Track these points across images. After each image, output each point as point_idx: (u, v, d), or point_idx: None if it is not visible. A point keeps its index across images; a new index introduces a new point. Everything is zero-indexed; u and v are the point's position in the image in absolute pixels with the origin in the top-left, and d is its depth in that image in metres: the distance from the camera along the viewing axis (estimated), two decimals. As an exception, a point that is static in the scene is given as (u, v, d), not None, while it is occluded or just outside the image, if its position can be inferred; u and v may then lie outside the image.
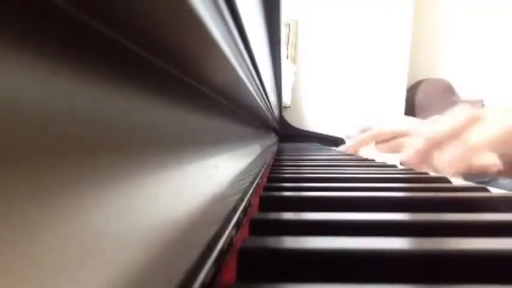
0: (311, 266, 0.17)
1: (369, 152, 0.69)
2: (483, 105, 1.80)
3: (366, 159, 0.69)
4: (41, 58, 0.09)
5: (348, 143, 0.73)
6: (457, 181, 0.43)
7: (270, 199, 0.30)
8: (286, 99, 1.66)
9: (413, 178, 0.44)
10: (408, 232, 0.22)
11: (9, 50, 0.08)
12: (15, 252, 0.06)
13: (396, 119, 0.69)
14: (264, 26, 0.69)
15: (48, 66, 0.09)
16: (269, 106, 0.71)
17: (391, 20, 1.86)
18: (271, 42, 0.85)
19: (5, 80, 0.07)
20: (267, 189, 0.35)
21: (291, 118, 1.74)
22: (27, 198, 0.07)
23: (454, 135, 0.51)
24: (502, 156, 0.52)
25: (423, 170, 0.52)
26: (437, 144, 0.53)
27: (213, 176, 0.22)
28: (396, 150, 0.63)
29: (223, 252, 0.17)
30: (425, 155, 0.54)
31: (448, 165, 0.50)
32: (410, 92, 1.93)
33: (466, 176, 0.50)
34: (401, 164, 0.59)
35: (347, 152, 0.71)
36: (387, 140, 0.63)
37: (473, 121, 0.51)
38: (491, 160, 0.52)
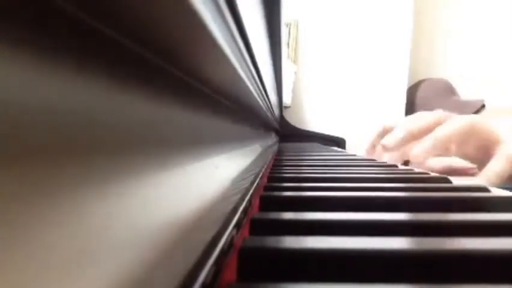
0: (311, 266, 0.17)
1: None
2: (483, 105, 1.80)
3: (366, 159, 0.69)
4: (40, 58, 0.09)
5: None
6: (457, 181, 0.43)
7: (271, 199, 0.30)
8: (286, 99, 1.66)
9: (413, 178, 0.45)
10: (408, 232, 0.22)
11: (9, 50, 0.08)
12: (15, 252, 0.06)
13: (412, 117, 0.68)
14: (265, 25, 0.69)
15: (48, 66, 0.09)
16: (269, 106, 0.71)
17: (391, 19, 1.86)
18: (272, 42, 0.85)
19: (5, 80, 0.07)
20: (267, 189, 0.35)
21: (291, 118, 1.74)
22: (27, 198, 0.07)
23: (429, 130, 0.59)
24: (474, 160, 0.59)
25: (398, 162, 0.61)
26: (414, 136, 0.60)
27: (213, 176, 0.22)
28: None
29: (224, 252, 0.17)
30: (403, 144, 0.62)
31: (415, 156, 0.58)
32: (411, 92, 1.93)
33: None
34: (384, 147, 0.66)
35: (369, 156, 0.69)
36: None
37: (444, 119, 0.59)
38: (467, 163, 0.59)
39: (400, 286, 0.16)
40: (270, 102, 0.68)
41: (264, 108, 0.59)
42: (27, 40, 0.08)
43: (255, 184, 0.34)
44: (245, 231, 0.23)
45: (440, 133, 0.57)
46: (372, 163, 0.62)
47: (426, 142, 0.57)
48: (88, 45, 0.11)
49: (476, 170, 0.58)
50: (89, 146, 0.10)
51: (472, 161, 0.61)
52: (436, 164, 0.61)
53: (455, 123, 0.57)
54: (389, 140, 0.63)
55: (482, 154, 0.58)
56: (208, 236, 0.16)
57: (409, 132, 0.61)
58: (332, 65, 1.88)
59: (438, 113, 0.62)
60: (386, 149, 0.65)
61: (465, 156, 0.61)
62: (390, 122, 0.68)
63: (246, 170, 0.33)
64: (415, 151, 0.58)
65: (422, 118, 0.62)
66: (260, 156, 0.54)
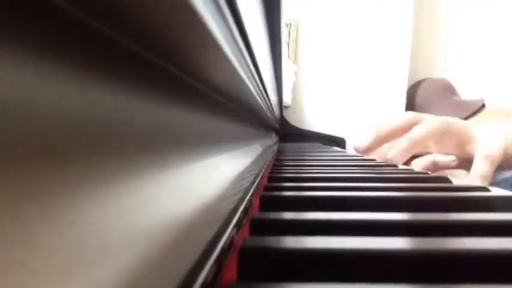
0: (311, 265, 0.17)
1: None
2: (483, 105, 1.79)
3: (367, 159, 0.69)
4: (40, 58, 0.09)
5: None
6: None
7: (271, 199, 0.30)
8: (287, 99, 1.66)
9: (413, 178, 0.45)
10: (408, 232, 0.22)
11: (9, 50, 0.08)
12: (15, 252, 0.06)
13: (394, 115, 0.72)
14: (265, 25, 0.69)
15: (48, 66, 0.09)
16: (270, 106, 0.71)
17: (392, 19, 1.86)
18: (272, 41, 0.85)
19: (5, 80, 0.07)
20: (267, 188, 0.35)
21: (291, 118, 1.74)
22: (27, 198, 0.07)
23: (400, 131, 0.62)
24: (457, 155, 0.63)
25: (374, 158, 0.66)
26: (385, 138, 0.64)
27: (213, 175, 0.22)
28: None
29: (224, 252, 0.17)
30: (374, 146, 0.66)
31: (393, 157, 0.61)
32: (411, 92, 1.93)
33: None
34: (355, 149, 0.71)
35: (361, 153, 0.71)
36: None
37: (417, 120, 0.62)
38: (448, 157, 0.63)
39: (400, 286, 0.16)
40: (270, 102, 0.68)
41: (264, 108, 0.59)
42: (27, 40, 0.08)
43: (255, 184, 0.34)
44: (245, 231, 0.23)
45: (415, 133, 0.60)
46: (372, 163, 0.62)
47: (402, 143, 0.60)
48: (88, 45, 0.11)
49: (456, 162, 0.62)
50: (90, 146, 0.10)
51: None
52: (421, 161, 0.65)
53: (429, 123, 0.60)
54: (360, 143, 0.68)
55: (459, 151, 0.62)
56: (208, 236, 0.16)
57: (378, 135, 0.65)
58: (332, 65, 1.87)
59: (409, 115, 0.65)
60: (357, 151, 0.70)
61: (444, 153, 0.65)
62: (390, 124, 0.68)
63: (246, 170, 0.33)
64: (392, 152, 0.61)
65: (392, 120, 0.66)
66: (260, 156, 0.54)
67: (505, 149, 0.57)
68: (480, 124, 0.62)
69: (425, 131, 0.59)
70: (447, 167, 0.63)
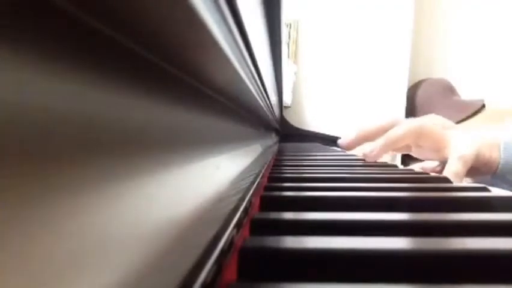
0: (311, 266, 0.17)
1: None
2: (483, 105, 1.79)
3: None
4: (40, 58, 0.09)
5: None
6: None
7: (271, 199, 0.30)
8: (287, 99, 1.66)
9: (413, 178, 0.44)
10: (408, 232, 0.22)
11: (9, 50, 0.08)
12: (15, 252, 0.06)
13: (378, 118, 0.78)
14: (265, 25, 0.69)
15: (48, 66, 0.09)
16: (270, 106, 0.71)
17: (392, 19, 1.86)
18: (272, 41, 0.85)
19: (5, 80, 0.07)
20: (267, 189, 0.35)
21: (291, 118, 1.74)
22: (27, 198, 0.07)
23: (380, 131, 0.68)
24: (434, 159, 0.68)
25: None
26: (365, 136, 0.71)
27: (213, 175, 0.22)
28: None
29: (224, 252, 0.17)
30: (355, 144, 0.74)
31: (368, 153, 0.66)
32: (411, 92, 1.93)
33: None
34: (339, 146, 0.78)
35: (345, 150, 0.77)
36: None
37: (396, 123, 0.67)
38: (434, 163, 0.68)
39: (400, 286, 0.16)
40: (270, 102, 0.68)
41: (264, 108, 0.59)
42: (27, 40, 0.08)
43: (256, 184, 0.34)
44: (245, 231, 0.23)
45: (391, 133, 0.65)
46: (372, 163, 0.62)
47: (379, 141, 0.66)
48: (88, 46, 0.11)
49: (441, 166, 0.65)
50: (90, 146, 0.10)
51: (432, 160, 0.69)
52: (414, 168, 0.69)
53: (405, 125, 0.65)
54: (342, 140, 0.75)
55: (436, 155, 0.66)
56: (208, 236, 0.16)
57: (359, 134, 0.72)
58: (332, 65, 1.88)
59: (389, 118, 0.70)
60: (340, 147, 0.76)
61: (424, 157, 0.69)
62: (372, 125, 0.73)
63: (247, 170, 0.33)
64: (367, 148, 0.66)
65: (373, 122, 0.72)
66: (260, 156, 0.54)
67: (478, 155, 0.59)
68: (458, 130, 0.66)
69: (400, 132, 0.64)
70: (433, 171, 0.66)
